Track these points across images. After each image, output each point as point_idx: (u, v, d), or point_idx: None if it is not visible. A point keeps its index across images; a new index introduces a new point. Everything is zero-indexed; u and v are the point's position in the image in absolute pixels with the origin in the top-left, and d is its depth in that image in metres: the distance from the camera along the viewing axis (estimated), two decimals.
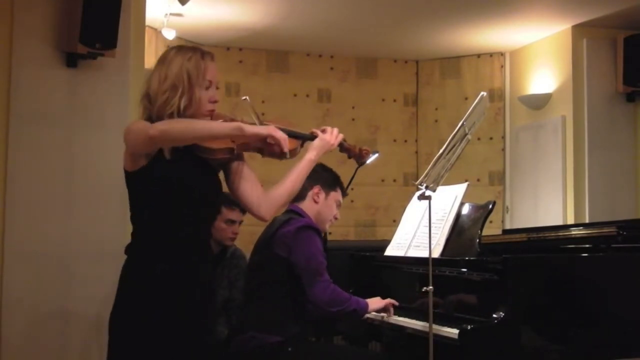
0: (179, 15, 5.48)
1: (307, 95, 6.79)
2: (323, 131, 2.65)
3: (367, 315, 3.32)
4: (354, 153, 2.78)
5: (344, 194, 3.47)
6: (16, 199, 4.16)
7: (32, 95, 4.22)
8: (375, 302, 3.23)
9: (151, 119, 2.36)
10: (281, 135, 2.40)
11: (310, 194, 3.36)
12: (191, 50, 2.44)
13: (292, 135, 2.54)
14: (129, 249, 2.43)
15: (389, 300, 3.25)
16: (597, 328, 2.93)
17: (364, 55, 6.91)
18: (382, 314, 3.27)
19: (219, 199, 2.55)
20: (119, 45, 4.22)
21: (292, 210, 3.35)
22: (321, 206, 3.37)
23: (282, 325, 3.09)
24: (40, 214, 4.20)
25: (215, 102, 2.44)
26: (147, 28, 5.04)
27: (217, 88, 2.46)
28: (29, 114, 4.20)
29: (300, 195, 3.36)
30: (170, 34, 5.55)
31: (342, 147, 2.72)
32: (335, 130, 2.67)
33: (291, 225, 3.19)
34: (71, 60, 4.26)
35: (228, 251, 4.03)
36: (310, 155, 2.60)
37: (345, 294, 3.17)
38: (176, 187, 2.35)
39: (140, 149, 2.31)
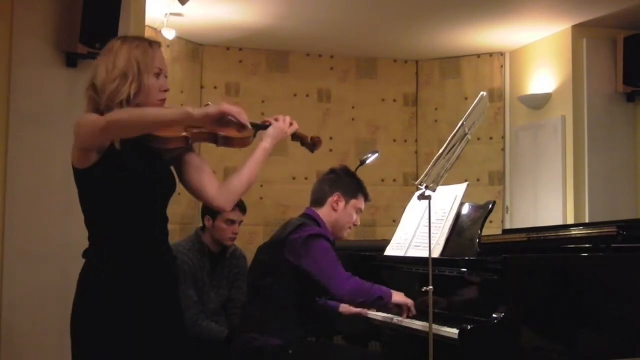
0: (179, 15, 5.48)
1: (307, 96, 6.79)
2: (276, 120, 2.60)
3: (372, 316, 3.32)
4: (306, 142, 2.75)
5: (367, 200, 3.41)
6: (16, 199, 4.16)
7: (32, 95, 4.22)
8: (399, 295, 3.14)
9: (99, 110, 2.31)
10: (236, 109, 2.32)
11: (329, 201, 3.28)
12: (137, 39, 2.40)
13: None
14: (87, 253, 2.38)
15: (410, 302, 3.14)
16: (597, 328, 2.93)
17: (364, 55, 6.91)
18: (397, 318, 3.20)
19: (173, 192, 2.45)
20: None
21: (307, 214, 3.29)
22: (340, 214, 3.29)
23: (284, 329, 3.07)
24: (40, 214, 4.20)
25: (166, 90, 2.38)
26: (147, 28, 5.04)
27: (166, 77, 2.40)
28: (29, 114, 4.20)
29: (319, 201, 3.31)
30: (170, 34, 5.55)
31: (294, 136, 2.67)
32: (288, 118, 2.62)
33: (303, 232, 3.13)
34: (71, 60, 4.27)
35: (228, 251, 4.03)
36: (265, 143, 2.54)
37: (367, 283, 3.12)
38: (131, 181, 2.29)
39: (92, 142, 2.25)
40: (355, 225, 3.38)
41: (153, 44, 2.38)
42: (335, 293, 3.09)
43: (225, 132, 2.42)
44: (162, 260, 2.37)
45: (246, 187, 2.48)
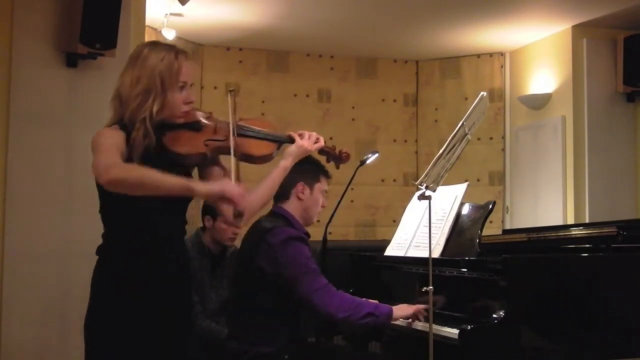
0: (179, 15, 5.48)
1: (307, 96, 6.79)
2: (300, 135, 2.59)
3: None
4: (333, 155, 2.73)
5: (329, 178, 3.26)
6: (16, 199, 4.16)
7: (32, 95, 4.22)
8: (402, 309, 3.02)
9: (122, 121, 2.31)
10: (235, 192, 2.20)
11: (294, 192, 3.15)
12: (165, 49, 2.35)
13: (267, 138, 2.48)
14: (100, 250, 2.38)
15: (417, 307, 3.05)
16: (597, 328, 2.93)
17: (364, 55, 6.91)
18: (409, 320, 3.09)
19: (191, 199, 2.43)
20: (119, 45, 4.22)
21: (276, 212, 3.16)
22: (307, 202, 3.17)
23: (274, 336, 3.00)
24: (40, 214, 4.20)
25: (190, 102, 2.36)
26: (147, 28, 5.04)
27: (192, 85, 2.39)
28: (29, 114, 4.20)
29: (283, 194, 3.17)
30: (170, 34, 5.55)
31: (321, 151, 2.67)
32: (314, 135, 2.62)
33: (275, 237, 3.00)
34: (71, 60, 4.27)
35: (228, 251, 4.03)
36: (286, 162, 2.56)
37: (357, 299, 2.99)
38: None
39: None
40: (323, 206, 3.25)
41: (179, 56, 2.34)
42: (318, 309, 2.94)
43: (244, 148, 2.41)
44: (178, 262, 2.40)
45: (261, 205, 2.51)
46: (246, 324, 3.06)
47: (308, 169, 3.19)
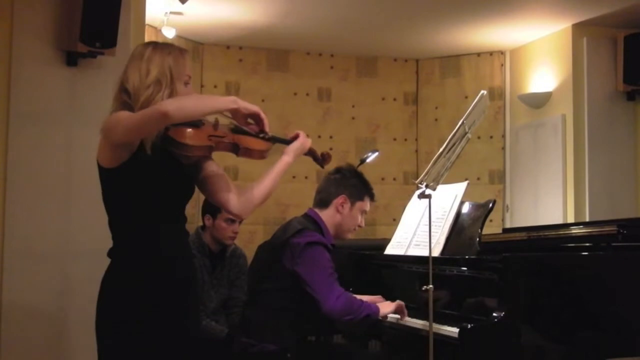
0: (179, 13, 5.48)
1: (307, 94, 6.79)
2: (297, 136, 2.66)
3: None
4: (317, 157, 2.78)
5: (373, 201, 3.35)
6: (16, 199, 4.16)
7: (32, 94, 4.22)
8: (385, 306, 3.13)
9: (133, 112, 2.32)
10: (265, 116, 2.45)
11: (334, 202, 3.23)
12: (169, 46, 2.45)
13: (264, 138, 2.54)
14: (111, 252, 2.40)
15: (398, 303, 3.15)
16: (597, 327, 2.93)
17: (364, 53, 6.90)
18: (397, 316, 3.17)
19: (192, 196, 2.51)
20: (119, 44, 4.22)
21: (309, 216, 3.23)
22: (345, 217, 3.24)
23: (281, 334, 3.04)
24: (40, 214, 4.20)
25: None
26: (147, 27, 5.04)
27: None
28: (29, 113, 4.20)
29: (323, 202, 3.25)
30: (170, 33, 5.55)
31: (309, 150, 2.73)
32: (304, 133, 2.68)
33: (302, 238, 3.08)
34: (71, 59, 4.27)
35: (228, 250, 4.04)
36: (288, 157, 2.60)
37: (358, 300, 3.08)
38: (157, 184, 2.34)
39: (144, 131, 2.26)
40: (360, 226, 3.33)
41: (183, 52, 2.45)
42: (324, 310, 3.01)
43: (245, 143, 2.48)
44: (183, 259, 2.43)
45: (265, 198, 2.56)
46: (256, 319, 3.10)
47: (355, 185, 3.28)
